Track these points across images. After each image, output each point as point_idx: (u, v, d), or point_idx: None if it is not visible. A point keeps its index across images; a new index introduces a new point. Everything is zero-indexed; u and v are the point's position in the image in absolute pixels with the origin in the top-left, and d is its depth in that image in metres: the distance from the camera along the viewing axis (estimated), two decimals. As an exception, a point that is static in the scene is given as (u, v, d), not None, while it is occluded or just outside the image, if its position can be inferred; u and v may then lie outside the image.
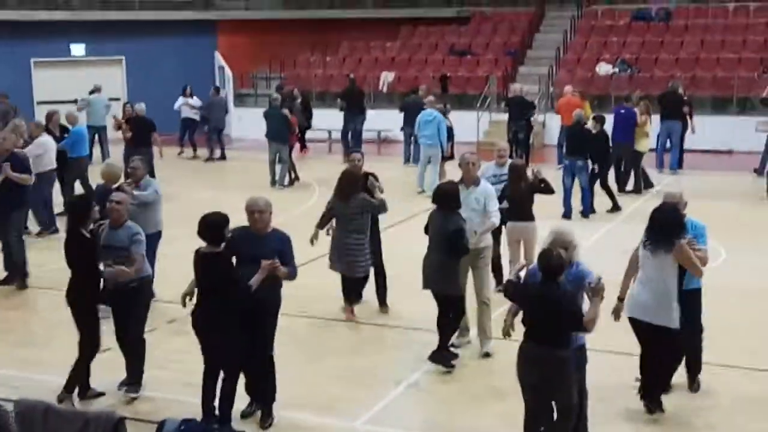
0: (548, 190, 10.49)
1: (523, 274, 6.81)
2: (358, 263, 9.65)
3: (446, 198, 8.45)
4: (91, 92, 21.29)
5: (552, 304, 6.19)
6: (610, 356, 8.16)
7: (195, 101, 22.19)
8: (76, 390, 7.71)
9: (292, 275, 7.20)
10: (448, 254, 8.33)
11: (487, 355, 8.76)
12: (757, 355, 8.71)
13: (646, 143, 16.88)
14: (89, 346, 7.73)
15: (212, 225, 6.95)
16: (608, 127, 15.58)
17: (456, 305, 8.51)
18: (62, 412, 5.26)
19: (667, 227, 7.11)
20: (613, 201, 15.24)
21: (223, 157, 21.90)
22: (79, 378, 7.73)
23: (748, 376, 8.31)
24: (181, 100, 22.14)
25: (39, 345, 9.35)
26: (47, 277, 11.31)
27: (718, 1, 26.87)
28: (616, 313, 7.38)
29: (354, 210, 9.55)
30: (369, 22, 28.63)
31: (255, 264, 6.92)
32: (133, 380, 7.87)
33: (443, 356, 8.47)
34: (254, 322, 7.09)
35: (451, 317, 8.52)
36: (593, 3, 27.97)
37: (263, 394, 7.32)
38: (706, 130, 20.05)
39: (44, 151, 13.44)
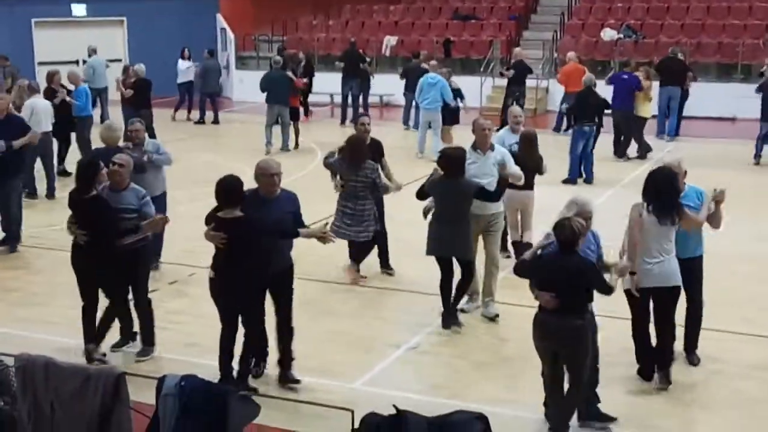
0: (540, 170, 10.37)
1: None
2: (363, 227, 9.61)
3: (454, 163, 8.36)
4: (90, 56, 21.15)
5: (574, 274, 6.18)
6: (615, 321, 8.14)
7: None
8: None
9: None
10: (466, 218, 8.38)
11: (496, 316, 8.79)
12: (753, 322, 8.72)
13: (649, 109, 16.82)
14: (92, 304, 7.78)
15: (228, 188, 6.92)
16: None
17: (470, 269, 8.57)
18: (63, 367, 5.27)
19: (664, 190, 7.09)
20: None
21: (216, 121, 21.71)
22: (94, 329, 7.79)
23: (745, 343, 8.32)
24: (187, 63, 21.89)
25: (40, 304, 9.36)
26: (49, 237, 11.33)
27: (725, -33, 26.62)
28: (638, 288, 7.23)
29: (361, 179, 9.49)
30: (372, -15, 28.43)
31: None
32: (146, 342, 7.97)
33: (455, 318, 8.59)
34: (274, 296, 7.26)
35: (461, 281, 8.57)
36: (599, -32, 27.70)
37: (286, 358, 7.41)
38: (710, 97, 19.95)
39: (29, 115, 13.05)
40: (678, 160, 7.59)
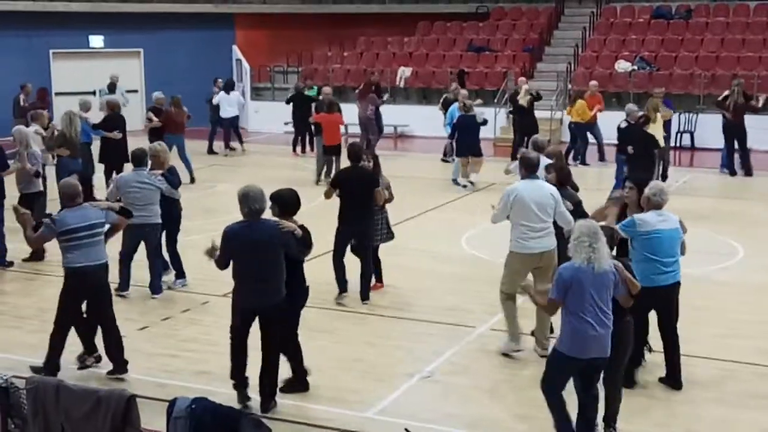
0: None
1: None
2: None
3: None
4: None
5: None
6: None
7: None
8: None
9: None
10: None
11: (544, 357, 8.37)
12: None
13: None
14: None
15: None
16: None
17: None
18: (74, 390, 5.26)
19: None
20: None
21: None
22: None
23: (759, 374, 8.21)
24: (232, 96, 21.74)
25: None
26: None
27: None
28: None
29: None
30: (386, 17, 28.61)
31: None
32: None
33: None
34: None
35: None
36: (612, 0, 27.83)
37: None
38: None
39: None
40: (661, 188, 7.60)
